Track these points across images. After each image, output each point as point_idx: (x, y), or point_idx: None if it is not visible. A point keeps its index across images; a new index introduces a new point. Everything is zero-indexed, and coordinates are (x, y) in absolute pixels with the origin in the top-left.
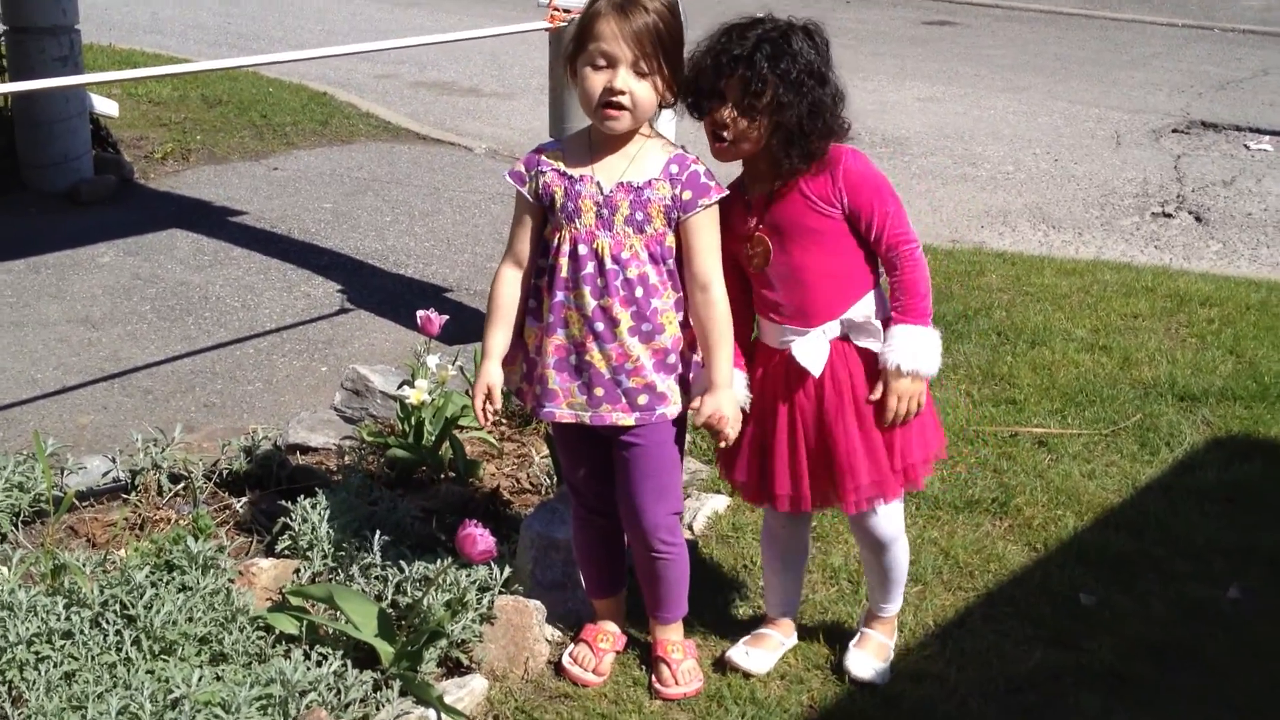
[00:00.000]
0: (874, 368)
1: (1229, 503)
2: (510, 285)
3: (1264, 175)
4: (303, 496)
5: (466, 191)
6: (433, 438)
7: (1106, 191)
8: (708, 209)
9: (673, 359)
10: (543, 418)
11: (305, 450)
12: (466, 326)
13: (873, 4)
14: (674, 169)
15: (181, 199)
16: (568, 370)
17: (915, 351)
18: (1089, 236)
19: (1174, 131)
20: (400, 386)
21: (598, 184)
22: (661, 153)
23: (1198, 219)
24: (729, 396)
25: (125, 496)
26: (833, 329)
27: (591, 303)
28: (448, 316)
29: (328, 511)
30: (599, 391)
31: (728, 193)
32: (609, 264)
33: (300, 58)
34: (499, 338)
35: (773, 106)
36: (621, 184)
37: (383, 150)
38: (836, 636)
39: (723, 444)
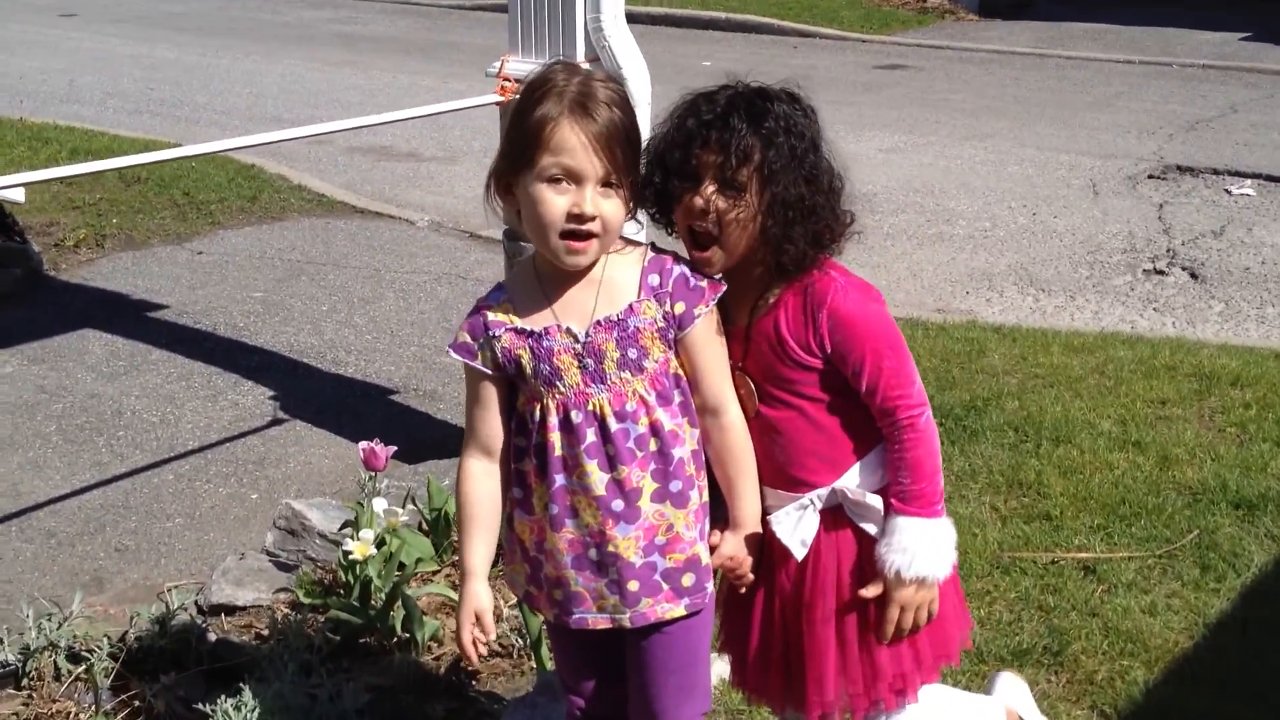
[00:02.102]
0: (869, 555)
1: None
2: (483, 481)
3: (1254, 224)
4: (224, 698)
5: (409, 272)
6: (382, 595)
7: (1092, 248)
8: (706, 316)
9: (706, 523)
10: (573, 626)
11: (231, 611)
12: (417, 437)
13: (820, 48)
14: (654, 279)
15: (95, 292)
16: (589, 567)
17: (921, 552)
18: (1082, 300)
19: (1150, 178)
20: (342, 528)
21: (568, 331)
22: (631, 263)
23: (1193, 276)
24: (753, 537)
25: (15, 687)
26: (822, 498)
27: (603, 478)
28: (395, 448)
29: (255, 712)
30: (633, 586)
31: (725, 287)
32: (613, 424)
33: (240, 145)
34: (480, 550)
35: (762, 176)
36: (599, 322)
37: (317, 227)
38: None
39: (742, 589)
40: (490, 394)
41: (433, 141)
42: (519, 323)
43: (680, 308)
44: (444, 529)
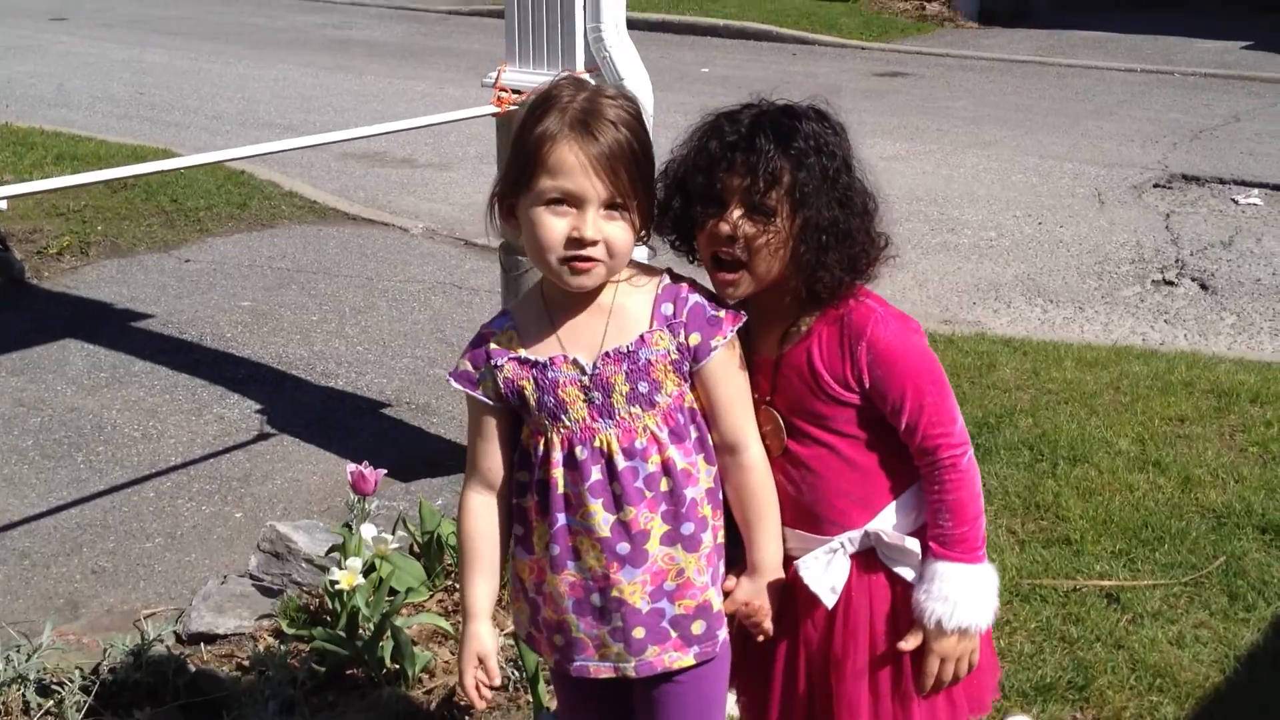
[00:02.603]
0: (904, 602)
1: None
2: (484, 516)
3: (1262, 234)
4: None
5: (403, 281)
6: (370, 625)
7: (1100, 258)
8: (725, 348)
9: (721, 565)
10: (574, 674)
11: (211, 639)
12: (409, 453)
13: (819, 56)
14: (667, 309)
15: (79, 301)
16: (591, 613)
17: (964, 600)
18: (1091, 312)
19: (1155, 187)
20: (329, 552)
21: (575, 362)
22: (643, 290)
23: (1203, 287)
24: (774, 583)
25: None
26: (854, 540)
27: (608, 519)
28: (384, 470)
29: None
30: (638, 633)
31: (745, 317)
32: (621, 462)
33: (232, 157)
34: (482, 589)
35: (793, 199)
36: (607, 354)
37: (308, 234)
38: None
39: (760, 637)
40: (492, 426)
41: (427, 147)
42: (523, 352)
43: (696, 339)
44: (436, 553)
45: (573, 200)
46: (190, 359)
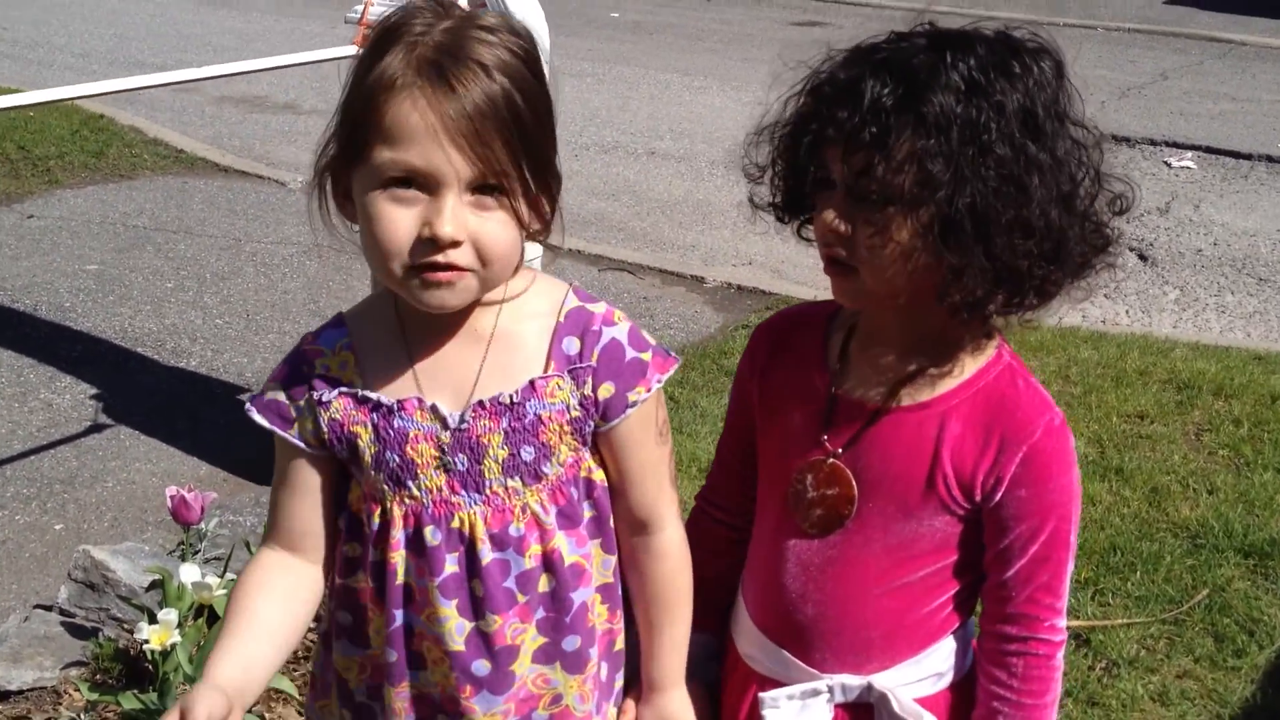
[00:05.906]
0: None
1: None
2: (268, 572)
3: (1199, 200)
4: None
5: (275, 243)
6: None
7: None
8: (647, 401)
9: (619, 678)
10: None
11: (5, 697)
12: (267, 448)
13: (735, 2)
14: (571, 345)
15: None
16: None
17: None
18: None
19: None
20: (150, 587)
21: (434, 410)
22: (540, 314)
23: (1142, 257)
24: (683, 702)
25: None
26: (848, 690)
27: (462, 628)
28: (214, 494)
29: None
30: None
31: (678, 362)
32: (486, 554)
33: (79, 95)
34: (229, 660)
35: (915, 182)
36: (481, 403)
37: (172, 188)
38: None
39: None
40: (307, 479)
41: (313, 92)
42: (360, 386)
43: (608, 390)
44: None
45: (423, 183)
46: (20, 333)
